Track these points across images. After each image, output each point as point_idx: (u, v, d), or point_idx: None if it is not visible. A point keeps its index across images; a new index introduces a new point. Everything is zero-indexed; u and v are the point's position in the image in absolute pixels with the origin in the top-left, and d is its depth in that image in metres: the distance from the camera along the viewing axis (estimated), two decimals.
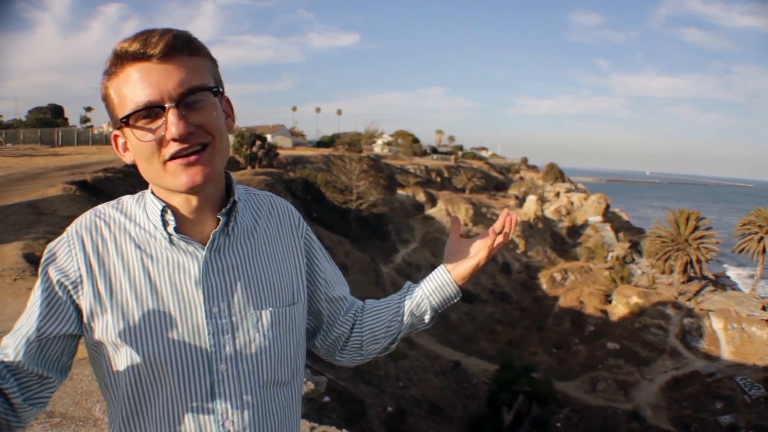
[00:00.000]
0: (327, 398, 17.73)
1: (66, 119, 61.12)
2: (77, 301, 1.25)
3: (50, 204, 13.61)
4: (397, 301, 1.57)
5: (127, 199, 1.36)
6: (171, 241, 1.27)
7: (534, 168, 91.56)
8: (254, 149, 38.13)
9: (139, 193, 1.36)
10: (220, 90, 1.26)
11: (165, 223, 1.27)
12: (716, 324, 30.94)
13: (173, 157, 1.18)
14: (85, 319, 1.25)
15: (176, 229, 1.27)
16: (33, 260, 8.57)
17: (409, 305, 1.54)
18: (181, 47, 1.18)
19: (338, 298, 1.58)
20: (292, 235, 1.48)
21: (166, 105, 1.15)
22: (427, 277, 1.56)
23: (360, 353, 1.60)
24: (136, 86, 1.15)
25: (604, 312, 36.19)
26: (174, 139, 1.16)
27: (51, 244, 1.30)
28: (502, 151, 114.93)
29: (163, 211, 1.26)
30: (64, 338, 1.26)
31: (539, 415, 22.31)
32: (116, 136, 1.28)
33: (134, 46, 1.15)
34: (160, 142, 1.18)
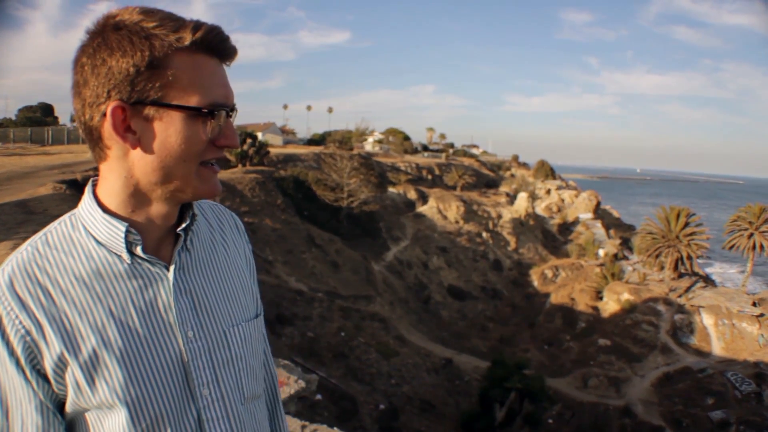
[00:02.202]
0: (319, 396, 17.75)
1: (56, 118, 60.72)
2: (41, 371, 1.09)
3: (40, 203, 13.55)
4: None
5: (56, 228, 1.17)
6: (131, 266, 1.14)
7: (525, 165, 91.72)
8: (245, 147, 38.09)
9: (68, 215, 1.19)
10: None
11: (129, 244, 1.13)
12: (707, 320, 31.06)
13: (207, 163, 1.13)
14: (54, 386, 1.10)
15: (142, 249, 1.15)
16: None
17: None
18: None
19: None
20: (242, 244, 1.42)
21: (229, 111, 1.12)
22: None
23: None
24: (213, 80, 1.09)
25: (596, 309, 36.29)
26: (224, 146, 1.13)
27: None
28: (492, 149, 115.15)
29: (128, 232, 1.12)
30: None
31: (531, 412, 22.36)
32: (119, 109, 1.05)
33: (215, 42, 1.09)
34: (210, 143, 1.11)
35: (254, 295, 1.37)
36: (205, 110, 1.07)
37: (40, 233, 1.17)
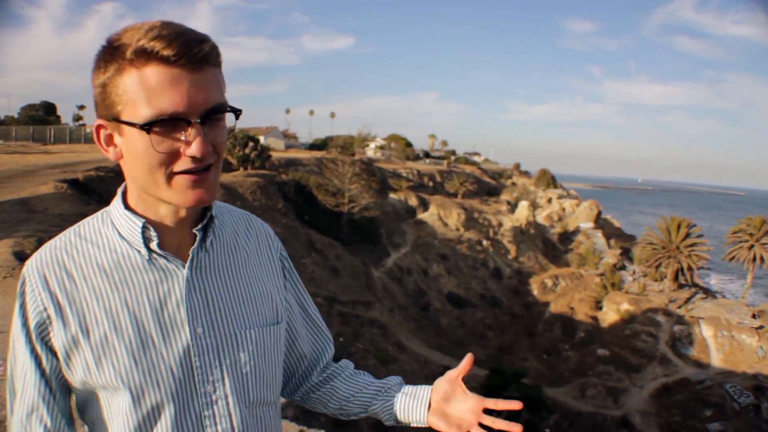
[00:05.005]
0: None
1: (59, 117, 60.97)
2: (50, 345, 1.17)
3: (41, 202, 13.58)
4: (373, 395, 1.54)
5: (89, 222, 1.26)
6: (149, 261, 1.19)
7: (526, 174, 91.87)
8: (247, 151, 38.04)
9: (101, 211, 1.27)
10: (238, 113, 1.16)
11: (146, 240, 1.19)
12: (706, 331, 31.05)
13: (182, 173, 1.10)
14: (62, 362, 1.18)
15: (158, 245, 1.20)
16: (23, 258, 8.54)
17: (380, 404, 1.52)
18: (213, 59, 1.10)
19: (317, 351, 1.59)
20: (270, 254, 1.44)
21: (192, 120, 1.06)
22: (411, 404, 1.50)
23: (311, 401, 1.59)
24: (163, 92, 1.04)
25: (595, 318, 36.28)
26: (191, 157, 1.08)
27: (18, 287, 1.20)
28: (494, 157, 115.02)
29: (144, 228, 1.18)
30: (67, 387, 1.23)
31: (529, 421, 22.29)
32: (100, 127, 1.14)
33: (169, 51, 1.03)
34: (172, 155, 1.08)
35: (275, 304, 1.38)
36: (139, 125, 1.05)
37: (76, 225, 1.26)
